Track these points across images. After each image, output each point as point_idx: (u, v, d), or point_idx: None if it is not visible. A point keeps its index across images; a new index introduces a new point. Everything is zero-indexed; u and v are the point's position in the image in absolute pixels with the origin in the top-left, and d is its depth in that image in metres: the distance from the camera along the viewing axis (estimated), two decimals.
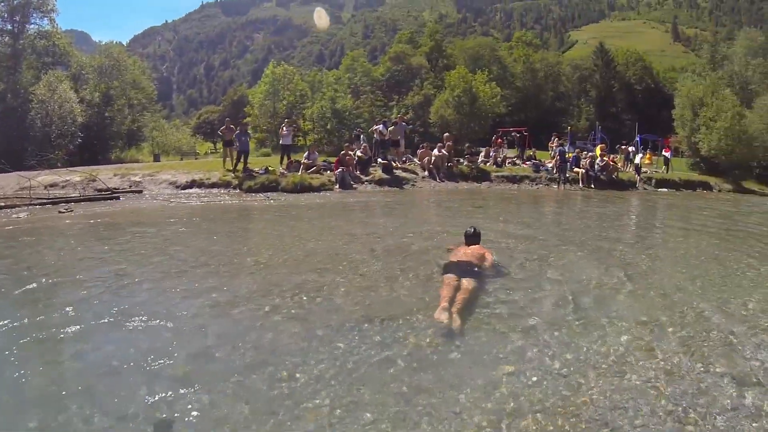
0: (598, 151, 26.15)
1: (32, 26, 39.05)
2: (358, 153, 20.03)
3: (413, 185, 19.54)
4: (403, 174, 20.26)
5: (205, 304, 5.37)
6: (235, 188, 16.97)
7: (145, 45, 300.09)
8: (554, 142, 24.59)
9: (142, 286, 6.11)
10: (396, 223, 11.11)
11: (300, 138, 47.63)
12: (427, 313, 4.90)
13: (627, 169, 25.63)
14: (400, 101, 54.27)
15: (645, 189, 22.89)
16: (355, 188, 18.17)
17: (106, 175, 18.04)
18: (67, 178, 17.73)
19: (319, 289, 5.80)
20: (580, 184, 21.28)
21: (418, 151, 21.92)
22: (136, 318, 4.82)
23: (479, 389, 3.60)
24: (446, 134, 23.15)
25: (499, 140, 27.26)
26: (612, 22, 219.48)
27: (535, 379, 3.76)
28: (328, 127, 49.40)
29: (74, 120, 34.55)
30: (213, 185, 17.16)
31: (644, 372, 3.87)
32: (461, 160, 22.39)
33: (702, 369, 3.94)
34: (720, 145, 29.36)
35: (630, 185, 22.76)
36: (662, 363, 4.03)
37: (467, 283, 5.36)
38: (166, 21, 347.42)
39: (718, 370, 3.92)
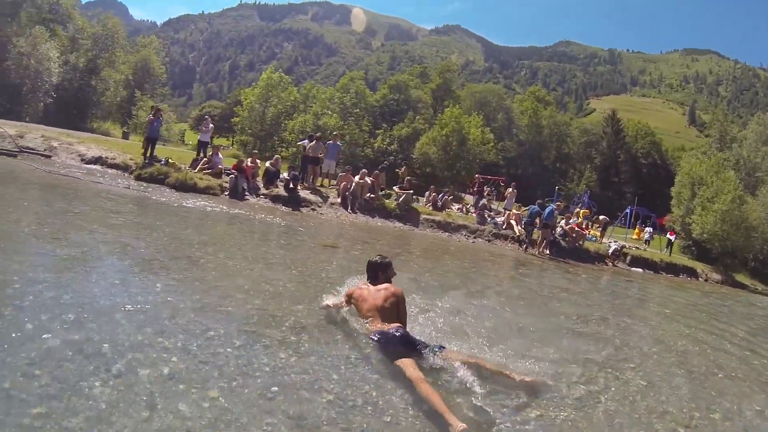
0: (581, 215, 23.25)
1: None
2: (267, 164, 17.92)
3: (314, 210, 16.56)
4: (309, 196, 17.30)
5: None
6: (130, 173, 15.82)
7: (177, 30, 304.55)
8: (512, 192, 21.25)
9: None
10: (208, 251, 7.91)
11: (284, 149, 44.90)
12: None
13: (601, 242, 22.20)
14: (388, 131, 51.37)
15: (615, 266, 19.40)
16: (246, 199, 15.98)
17: (35, 135, 17.56)
18: (2, 130, 17.00)
19: None
20: (537, 249, 17.74)
21: (339, 175, 18.65)
22: None
23: None
24: (408, 178, 19.77)
25: (490, 190, 24.34)
26: (633, 96, 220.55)
27: None
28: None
29: (49, 79, 34.76)
30: (113, 165, 16.24)
31: None
32: (395, 192, 19.09)
33: None
34: (715, 229, 26.37)
35: (596, 258, 19.24)
36: None
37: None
38: (203, 12, 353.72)
39: None
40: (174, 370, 3.41)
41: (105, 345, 3.61)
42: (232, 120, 55.81)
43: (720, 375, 6.22)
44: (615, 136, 67.17)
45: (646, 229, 29.15)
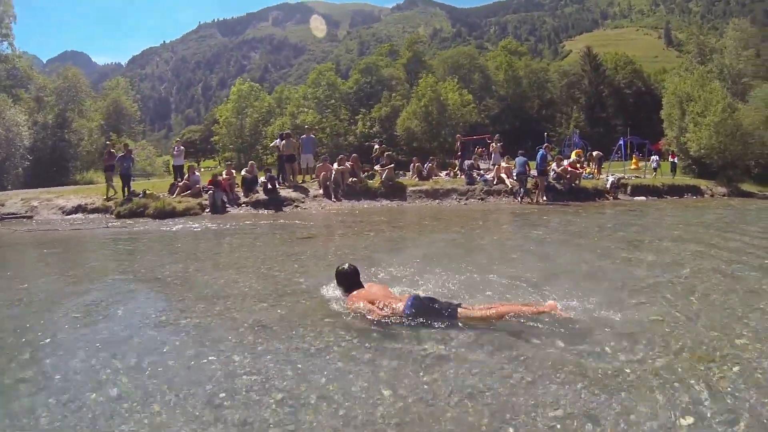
0: (573, 156, 22.77)
1: None
2: (243, 172, 17.66)
3: (297, 207, 16.30)
4: (291, 194, 17.00)
5: None
6: (111, 213, 15.66)
7: (143, 65, 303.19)
8: (497, 147, 20.58)
9: None
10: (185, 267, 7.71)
11: (268, 156, 44.42)
12: None
13: (599, 177, 21.70)
14: (367, 114, 50.68)
15: (617, 199, 18.89)
16: (228, 211, 15.71)
17: (15, 200, 17.42)
18: None
19: None
20: (536, 197, 17.20)
21: (317, 166, 18.17)
22: None
23: None
24: (387, 153, 19.30)
25: (481, 150, 23.70)
26: (605, 30, 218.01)
27: None
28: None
29: (21, 143, 34.45)
30: (93, 210, 16.16)
31: None
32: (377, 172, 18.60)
33: None
34: (711, 143, 25.90)
35: (596, 194, 18.71)
36: None
37: None
38: (164, 42, 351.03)
39: None
40: (122, 390, 3.31)
41: (57, 376, 3.59)
42: (212, 139, 55.36)
43: None
44: (595, 72, 66.15)
45: (652, 157, 28.43)
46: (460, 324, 4.20)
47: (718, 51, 40.12)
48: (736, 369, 3.45)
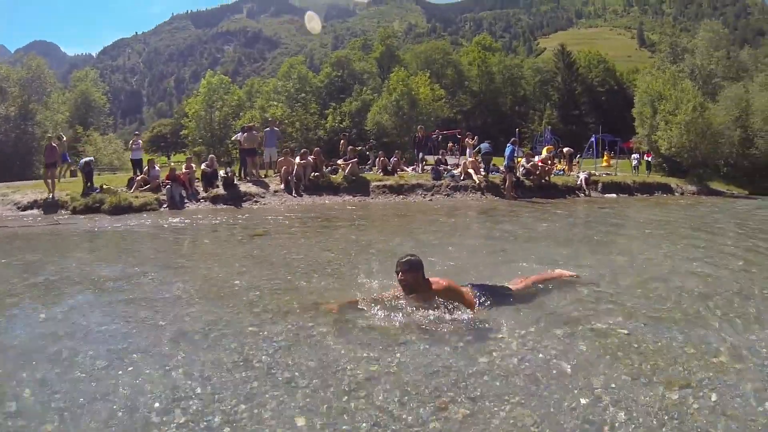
0: (544, 152, 22.39)
1: None
2: (203, 166, 17.02)
3: (256, 202, 15.52)
4: (251, 189, 16.14)
5: None
6: (67, 209, 14.73)
7: (114, 57, 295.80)
8: (472, 139, 19.99)
9: None
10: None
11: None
12: None
13: (570, 174, 21.31)
14: (338, 108, 49.73)
15: (588, 195, 18.47)
16: (186, 207, 14.84)
17: None
18: None
19: None
20: (507, 193, 16.60)
21: (278, 160, 17.35)
22: None
23: None
24: (350, 147, 18.55)
25: (451, 144, 23.12)
26: (580, 29, 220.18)
27: None
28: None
29: None
30: (51, 206, 15.08)
31: None
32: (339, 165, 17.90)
33: None
34: (681, 141, 26.03)
35: (566, 191, 18.23)
36: None
37: None
38: (136, 33, 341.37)
39: None
40: (21, 405, 3.07)
41: None
42: (181, 133, 53.92)
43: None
44: (568, 70, 66.58)
45: (633, 155, 28.93)
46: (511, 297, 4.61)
47: (689, 51, 40.16)
48: (713, 397, 2.98)
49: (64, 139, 18.02)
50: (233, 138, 21.50)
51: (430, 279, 4.36)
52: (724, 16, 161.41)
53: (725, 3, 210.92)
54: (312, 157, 17.08)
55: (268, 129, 19.03)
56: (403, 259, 4.30)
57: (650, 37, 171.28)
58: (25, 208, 15.15)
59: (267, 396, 3.06)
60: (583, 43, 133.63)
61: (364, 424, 2.71)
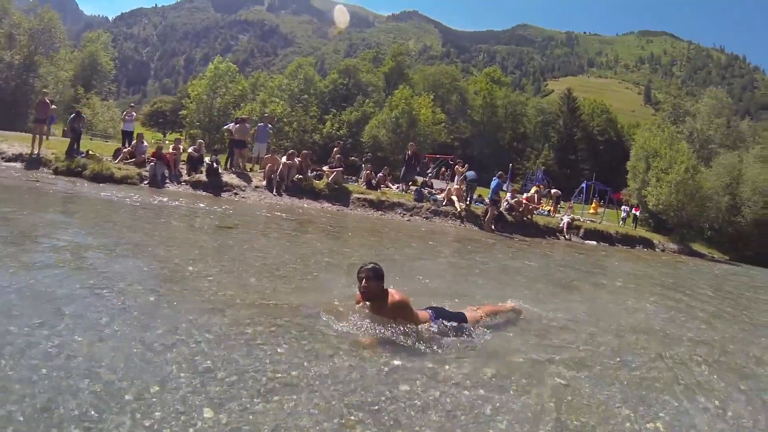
0: (532, 191, 22.31)
1: None
2: (190, 149, 17.09)
3: (236, 194, 15.38)
4: (233, 180, 16.04)
5: None
6: (49, 168, 14.93)
7: (130, 25, 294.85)
8: (462, 167, 19.84)
9: None
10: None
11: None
12: None
13: (554, 216, 21.20)
14: (337, 116, 49.62)
15: (568, 239, 18.31)
16: (167, 187, 14.85)
17: None
18: None
19: None
20: (486, 225, 16.40)
21: (265, 157, 17.38)
22: None
23: None
24: (338, 156, 18.33)
25: (444, 170, 23.00)
26: (590, 78, 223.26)
27: None
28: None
29: None
30: (34, 162, 15.24)
31: None
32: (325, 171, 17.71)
33: None
34: (670, 200, 26.13)
35: (547, 232, 18.06)
36: None
37: None
38: (156, 5, 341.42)
39: None
40: None
41: None
42: (180, 113, 53.61)
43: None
44: (571, 114, 67.05)
45: (623, 207, 29.22)
46: (465, 326, 4.51)
47: (691, 115, 40.78)
48: None
49: (54, 107, 17.75)
50: (224, 127, 21.37)
51: (388, 290, 4.27)
52: (731, 86, 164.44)
53: (734, 74, 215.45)
54: (299, 159, 16.95)
55: (261, 124, 19.09)
56: (368, 266, 4.23)
57: (656, 96, 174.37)
58: (9, 160, 15.23)
59: (182, 382, 2.97)
60: (590, 92, 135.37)
61: (266, 428, 2.62)
